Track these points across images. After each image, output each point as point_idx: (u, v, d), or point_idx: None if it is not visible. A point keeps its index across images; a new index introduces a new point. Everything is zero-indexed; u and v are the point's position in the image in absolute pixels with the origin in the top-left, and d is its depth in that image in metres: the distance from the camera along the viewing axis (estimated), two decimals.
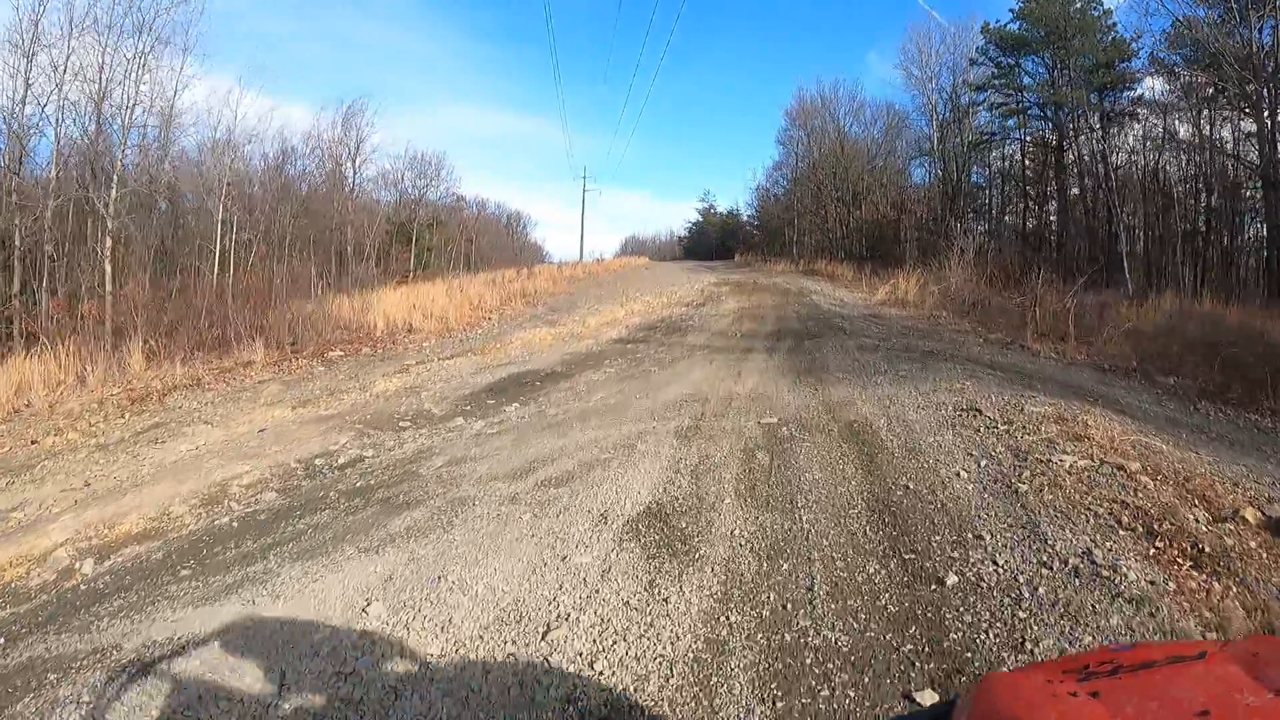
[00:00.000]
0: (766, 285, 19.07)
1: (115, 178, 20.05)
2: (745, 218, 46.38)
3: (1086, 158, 22.27)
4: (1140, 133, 23.97)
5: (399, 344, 11.60)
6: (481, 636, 2.57)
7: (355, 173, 36.97)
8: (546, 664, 2.37)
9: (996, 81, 26.59)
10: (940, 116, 29.13)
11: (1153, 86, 22.78)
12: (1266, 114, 16.58)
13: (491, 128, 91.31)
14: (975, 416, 4.95)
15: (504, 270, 26.03)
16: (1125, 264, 19.50)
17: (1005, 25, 25.49)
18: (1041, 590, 2.65)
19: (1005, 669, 2.19)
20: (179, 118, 23.79)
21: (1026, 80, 25.97)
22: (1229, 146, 20.94)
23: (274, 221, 29.69)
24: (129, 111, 20.63)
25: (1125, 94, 23.73)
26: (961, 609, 2.56)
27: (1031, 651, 2.28)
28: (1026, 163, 27.78)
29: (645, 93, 76.34)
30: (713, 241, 48.88)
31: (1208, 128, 21.73)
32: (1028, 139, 27.22)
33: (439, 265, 41.26)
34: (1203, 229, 21.39)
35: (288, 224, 29.60)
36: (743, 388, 6.63)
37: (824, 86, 33.08)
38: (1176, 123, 22.64)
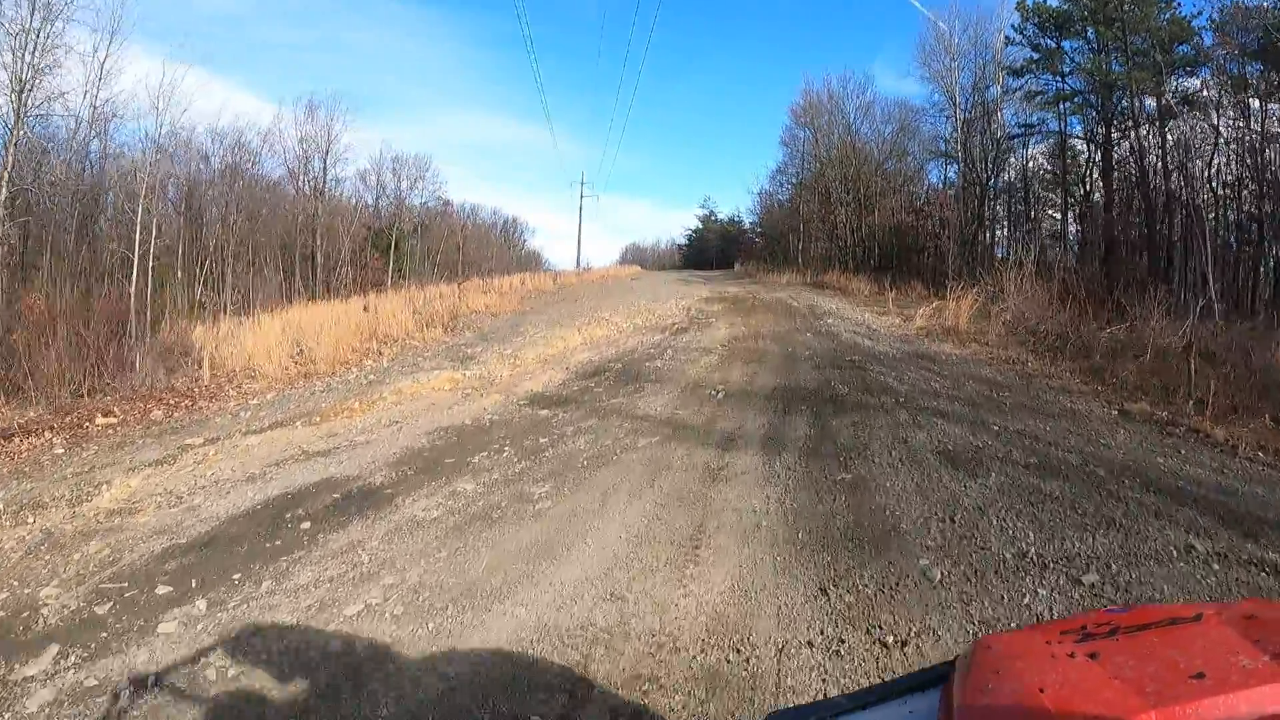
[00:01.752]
0: (769, 302, 15.08)
1: (5, 176, 16.48)
2: (747, 225, 42.43)
3: (1152, 152, 18.14)
4: (1188, 129, 19.95)
5: (221, 397, 7.67)
6: None
7: (326, 173, 33.34)
8: None
9: (1036, 66, 22.54)
10: (963, 111, 25.06)
11: (1207, 82, 18.80)
12: None
13: (496, 135, 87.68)
14: None
15: (466, 281, 22.15)
16: (1210, 282, 15.40)
17: (1045, 1, 21.56)
18: None
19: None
20: (103, 109, 20.25)
21: (1069, 64, 21.96)
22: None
23: (223, 227, 26.03)
24: (23, 97, 17.03)
25: (1187, 82, 19.75)
26: None
27: None
28: (1065, 160, 23.65)
29: (630, 98, 72.31)
30: (713, 250, 44.92)
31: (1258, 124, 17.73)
32: (1070, 132, 23.15)
33: (422, 273, 37.56)
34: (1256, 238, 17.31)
35: (232, 229, 25.91)
36: (695, 609, 2.61)
37: (832, 81, 29.08)
38: (1220, 119, 18.66)
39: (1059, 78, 22.35)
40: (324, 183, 33.38)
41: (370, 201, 38.98)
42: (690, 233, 49.78)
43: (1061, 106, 22.45)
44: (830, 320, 11.88)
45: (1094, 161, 22.83)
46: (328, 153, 32.91)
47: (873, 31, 57.05)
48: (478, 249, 48.75)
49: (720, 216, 47.08)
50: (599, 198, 49.56)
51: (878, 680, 2.14)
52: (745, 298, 16.17)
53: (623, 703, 2.04)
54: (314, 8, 56.81)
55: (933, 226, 26.66)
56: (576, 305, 15.01)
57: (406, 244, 39.02)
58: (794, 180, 33.72)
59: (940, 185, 27.80)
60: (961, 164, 25.46)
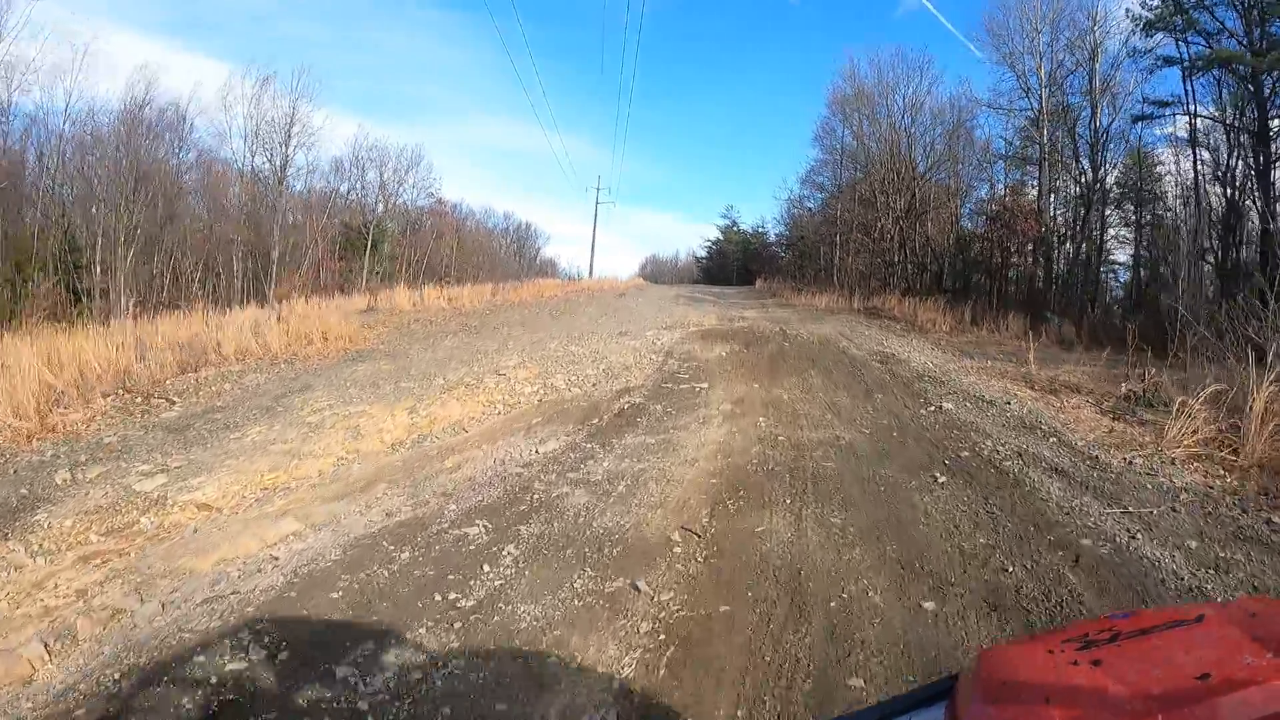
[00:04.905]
0: (808, 344, 8.56)
1: None
2: (772, 237, 35.72)
3: None
4: None
5: None
6: None
7: (287, 159, 27.50)
8: None
9: (1177, 19, 15.59)
10: (1047, 99, 18.14)
11: None
12: None
13: (521, 143, 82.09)
14: None
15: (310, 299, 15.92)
16: None
17: None
18: None
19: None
20: None
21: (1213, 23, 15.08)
22: None
23: (124, 211, 20.33)
24: None
25: None
26: None
27: None
28: (1195, 150, 16.56)
29: (629, 100, 65.63)
30: (733, 263, 38.29)
31: None
32: (1205, 111, 16.16)
33: (405, 277, 31.71)
34: None
35: (138, 219, 20.16)
36: None
37: (882, 60, 22.13)
38: None
39: (1200, 37, 15.39)
40: (284, 170, 27.44)
41: (352, 196, 33.15)
42: (709, 244, 43.08)
43: (1190, 84, 15.53)
44: (949, 404, 5.27)
45: (1239, 153, 15.65)
46: (289, 136, 27.02)
47: (912, 29, 50.05)
48: (478, 253, 42.83)
49: (743, 226, 40.41)
50: (615, 205, 43.52)
51: None
52: (769, 332, 9.62)
53: None
54: (339, 6, 52.04)
55: (1014, 240, 19.89)
56: (494, 337, 8.64)
57: (386, 245, 33.11)
58: (830, 183, 27.03)
59: (1006, 190, 20.98)
60: (1060, 163, 18.61)
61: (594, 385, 5.98)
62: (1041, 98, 18.04)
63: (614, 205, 55.69)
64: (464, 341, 8.11)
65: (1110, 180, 18.35)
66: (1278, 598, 1.76)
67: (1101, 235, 18.60)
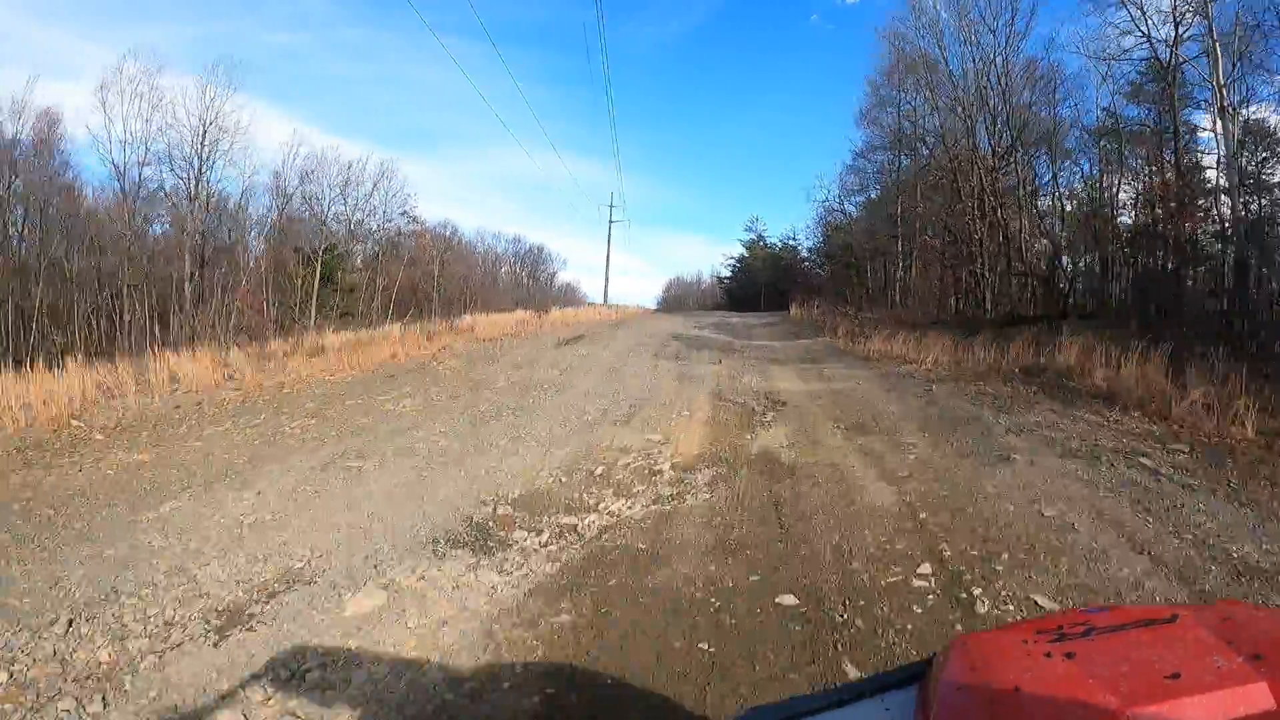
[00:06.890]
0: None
1: None
2: (805, 250, 28.57)
3: None
4: None
5: None
6: None
7: (203, 169, 21.48)
8: None
9: None
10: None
11: None
12: None
13: (542, 169, 77.14)
14: None
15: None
16: None
17: None
18: None
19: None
20: None
21: None
22: None
23: None
24: None
25: None
26: None
27: None
28: None
29: (611, 109, 59.49)
30: (761, 283, 31.15)
31: None
32: None
33: (370, 312, 25.63)
34: None
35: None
36: None
37: None
38: None
39: None
40: (198, 184, 21.35)
41: (305, 215, 27.01)
42: (734, 262, 35.99)
43: None
44: None
45: None
46: (205, 137, 20.93)
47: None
48: (469, 281, 36.45)
49: (771, 240, 33.28)
50: (629, 224, 37.50)
51: None
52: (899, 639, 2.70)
53: None
54: (372, 42, 48.59)
55: (1186, 234, 12.52)
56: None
57: (343, 273, 26.88)
58: (886, 166, 19.72)
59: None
60: (1222, 108, 11.11)
61: None
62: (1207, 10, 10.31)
63: (628, 224, 49.35)
64: None
65: None
66: (1253, 604, 1.68)
67: None
